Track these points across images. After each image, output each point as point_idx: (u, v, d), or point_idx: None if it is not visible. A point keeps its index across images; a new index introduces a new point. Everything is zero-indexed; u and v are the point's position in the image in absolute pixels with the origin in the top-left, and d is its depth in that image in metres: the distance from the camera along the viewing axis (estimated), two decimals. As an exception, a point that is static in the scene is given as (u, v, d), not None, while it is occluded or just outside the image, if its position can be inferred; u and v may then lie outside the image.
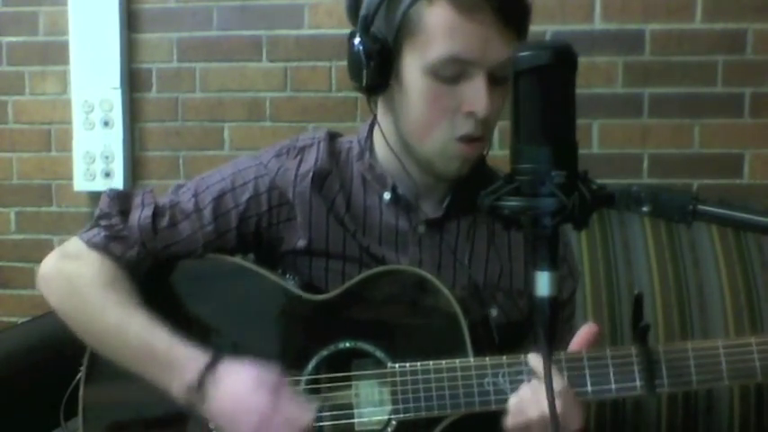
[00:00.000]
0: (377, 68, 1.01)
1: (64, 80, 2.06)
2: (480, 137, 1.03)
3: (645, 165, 1.90)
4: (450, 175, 1.06)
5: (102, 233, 1.07)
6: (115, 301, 1.03)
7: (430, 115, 1.02)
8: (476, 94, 0.98)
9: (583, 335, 0.98)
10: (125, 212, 1.08)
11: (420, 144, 1.04)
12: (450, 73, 0.99)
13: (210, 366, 0.98)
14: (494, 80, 0.99)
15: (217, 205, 1.09)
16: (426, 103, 1.01)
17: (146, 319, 1.01)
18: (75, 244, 1.09)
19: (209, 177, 1.13)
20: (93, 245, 1.07)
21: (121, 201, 1.09)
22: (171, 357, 0.99)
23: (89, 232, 1.08)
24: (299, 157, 1.12)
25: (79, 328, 1.07)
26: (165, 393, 0.99)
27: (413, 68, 1.01)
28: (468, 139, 1.02)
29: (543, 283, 0.68)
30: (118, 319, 1.02)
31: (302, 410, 0.98)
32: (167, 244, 1.09)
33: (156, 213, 1.08)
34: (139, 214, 1.08)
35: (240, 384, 0.97)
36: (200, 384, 0.97)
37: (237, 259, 1.11)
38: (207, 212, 1.09)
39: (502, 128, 0.98)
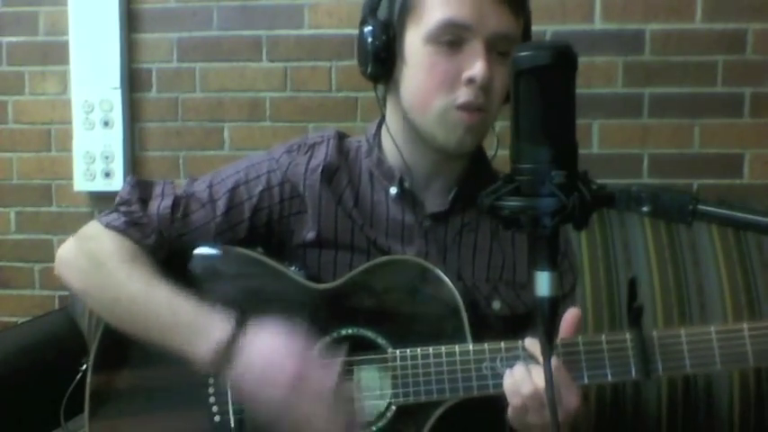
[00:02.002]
0: (382, 49, 1.05)
1: (64, 80, 2.05)
2: (481, 107, 1.03)
3: (645, 165, 1.90)
4: (453, 147, 1.06)
5: (122, 218, 1.09)
6: (139, 273, 1.04)
7: (430, 83, 1.03)
8: (473, 59, 1.01)
9: (568, 321, 0.98)
10: (145, 201, 1.11)
11: (422, 115, 1.05)
12: (447, 38, 1.01)
13: (239, 328, 0.98)
14: (494, 52, 1.02)
15: (230, 197, 1.12)
16: (427, 71, 1.03)
17: (170, 288, 1.03)
18: (93, 227, 1.11)
19: (224, 171, 1.16)
20: (112, 227, 1.08)
21: (142, 189, 1.12)
22: (197, 321, 1.00)
23: (108, 216, 1.10)
24: (309, 153, 1.15)
25: (102, 304, 1.08)
26: (171, 386, 1.00)
27: (414, 42, 1.04)
28: (468, 108, 1.02)
29: (543, 283, 0.68)
30: (144, 288, 1.03)
31: (331, 371, 0.98)
32: (181, 233, 1.11)
33: (175, 203, 1.11)
34: (159, 203, 1.10)
35: (271, 346, 0.98)
36: (229, 346, 0.97)
37: (245, 250, 1.12)
38: (221, 203, 1.11)
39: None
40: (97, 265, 1.07)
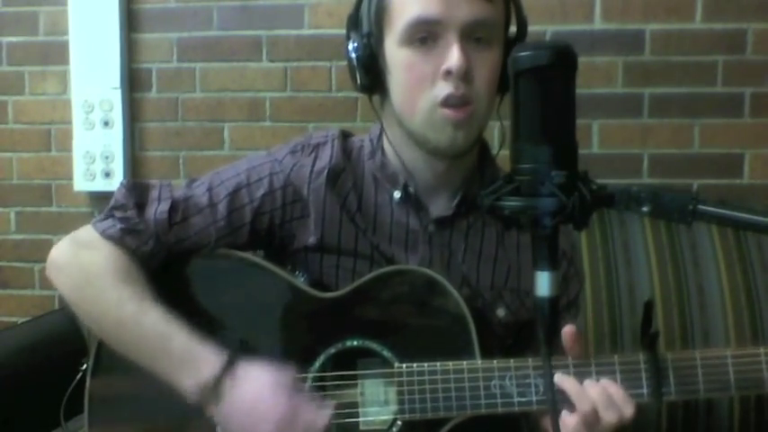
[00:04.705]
0: (367, 61, 1.05)
1: (64, 80, 2.05)
2: (464, 98, 1.01)
3: (645, 165, 1.90)
4: (445, 147, 1.04)
5: (118, 225, 1.06)
6: (131, 294, 1.02)
7: (412, 84, 1.03)
8: (447, 51, 1.00)
9: (567, 338, 0.96)
10: (141, 205, 1.08)
11: (410, 119, 1.05)
12: (419, 36, 1.01)
13: (229, 366, 0.97)
14: (470, 40, 1.01)
15: (231, 200, 1.10)
16: (406, 73, 1.03)
17: (163, 314, 1.01)
18: (88, 233, 1.08)
19: (224, 172, 1.13)
20: (107, 236, 1.06)
21: (138, 193, 1.09)
22: (187, 353, 0.98)
23: (103, 222, 1.08)
24: (313, 154, 1.13)
25: (91, 319, 1.06)
26: (172, 388, 0.99)
27: (392, 48, 1.04)
28: (451, 103, 1.01)
29: (543, 283, 0.68)
30: (134, 312, 1.01)
31: (319, 416, 0.98)
32: (180, 238, 1.08)
33: (172, 208, 1.08)
34: (156, 209, 1.07)
35: (259, 389, 0.97)
36: (217, 384, 0.97)
37: (248, 255, 1.11)
38: (221, 207, 1.09)
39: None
40: (89, 280, 1.05)
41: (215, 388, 0.97)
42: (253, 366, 0.98)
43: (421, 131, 1.04)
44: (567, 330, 0.96)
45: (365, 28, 1.07)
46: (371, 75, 1.06)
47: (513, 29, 1.09)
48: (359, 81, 1.07)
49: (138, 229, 1.06)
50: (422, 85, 1.01)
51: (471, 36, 1.01)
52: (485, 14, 1.00)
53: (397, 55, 1.03)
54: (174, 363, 0.99)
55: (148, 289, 1.04)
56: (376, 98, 1.12)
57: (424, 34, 1.00)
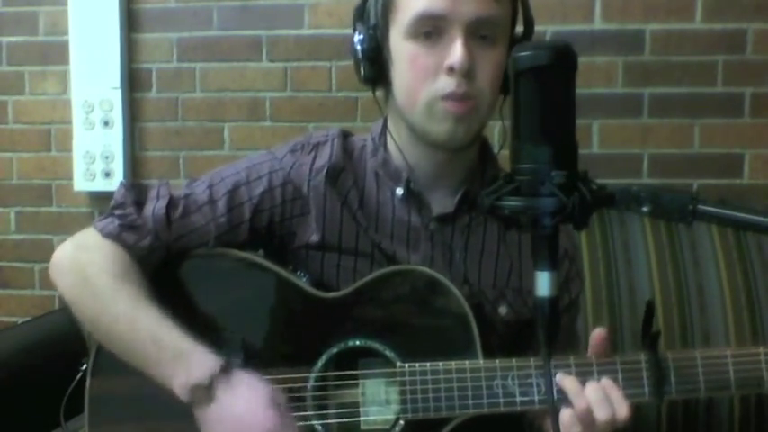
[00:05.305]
0: (371, 52, 1.06)
1: (64, 80, 2.06)
2: (466, 95, 1.01)
3: (645, 165, 1.90)
4: (445, 140, 1.05)
5: (116, 222, 1.07)
6: (126, 293, 1.03)
7: (414, 78, 1.03)
8: (451, 47, 1.00)
9: (596, 342, 0.98)
10: (140, 203, 1.09)
11: (411, 111, 1.05)
12: (424, 30, 1.01)
13: (225, 370, 0.98)
14: (475, 38, 1.01)
15: (231, 197, 1.10)
16: (409, 66, 1.03)
17: (157, 312, 1.01)
18: (89, 233, 1.09)
19: (224, 170, 1.14)
20: (106, 234, 1.07)
21: (137, 192, 1.10)
22: (180, 350, 0.98)
23: (103, 221, 1.09)
24: (313, 153, 1.14)
25: (88, 319, 1.07)
26: (171, 392, 0.99)
27: (397, 40, 1.04)
28: (452, 98, 1.01)
29: (543, 283, 0.68)
30: (128, 310, 1.01)
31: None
32: (180, 235, 1.09)
33: (171, 204, 1.09)
34: (154, 205, 1.08)
35: (252, 398, 0.97)
36: (208, 386, 0.97)
37: (249, 255, 1.11)
38: (221, 204, 1.10)
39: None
40: (86, 280, 1.05)
41: (208, 390, 0.97)
42: (249, 375, 0.99)
43: (421, 124, 1.05)
44: (597, 334, 0.98)
45: (371, 20, 1.07)
46: (376, 67, 1.06)
47: (519, 28, 1.09)
48: (363, 73, 1.08)
49: (135, 225, 1.07)
50: (424, 78, 1.02)
51: (476, 33, 1.01)
52: (490, 12, 1.01)
53: (401, 47, 1.04)
54: (166, 360, 0.99)
55: (145, 288, 1.04)
56: (379, 92, 1.12)
57: (429, 29, 1.01)
